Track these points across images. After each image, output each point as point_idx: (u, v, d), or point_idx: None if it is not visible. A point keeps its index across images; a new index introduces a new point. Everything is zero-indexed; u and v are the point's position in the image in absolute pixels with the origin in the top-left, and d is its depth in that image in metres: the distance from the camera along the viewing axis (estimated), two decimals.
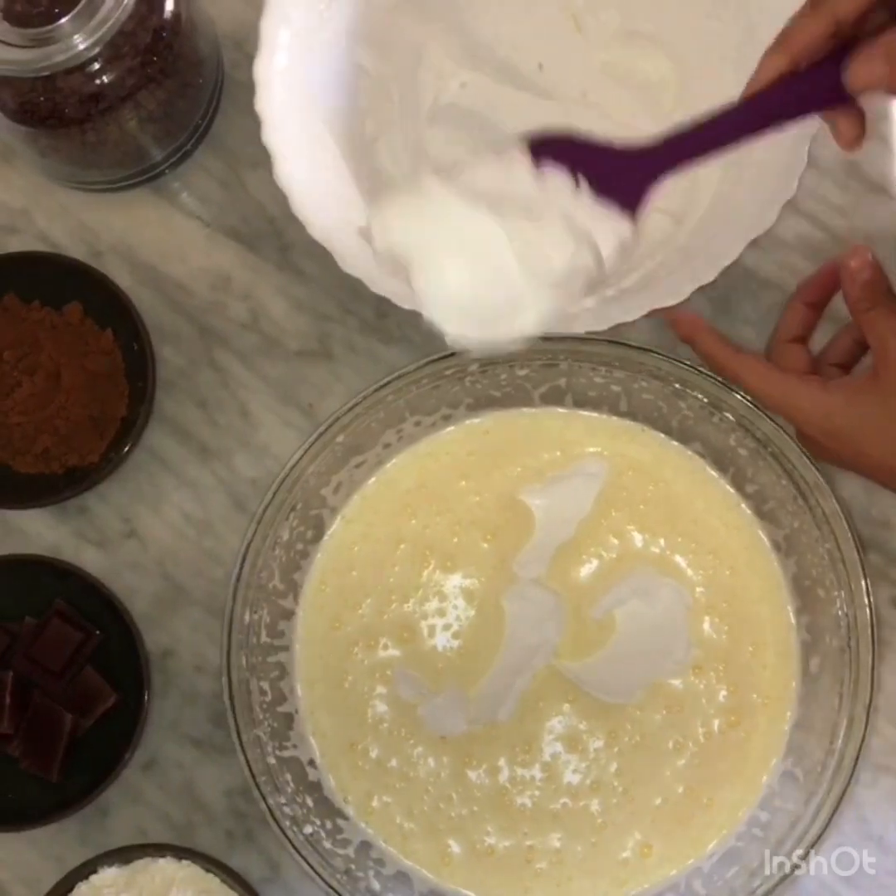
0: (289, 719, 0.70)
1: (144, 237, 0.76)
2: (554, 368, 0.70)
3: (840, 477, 0.71)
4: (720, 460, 0.71)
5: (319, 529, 0.71)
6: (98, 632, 0.71)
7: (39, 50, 0.63)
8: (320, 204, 0.69)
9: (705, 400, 0.69)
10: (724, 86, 0.71)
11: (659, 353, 0.68)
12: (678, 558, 0.71)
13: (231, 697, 0.67)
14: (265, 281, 0.75)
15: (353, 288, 0.67)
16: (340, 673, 0.70)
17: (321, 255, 0.68)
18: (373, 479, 0.72)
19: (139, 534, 0.74)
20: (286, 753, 0.69)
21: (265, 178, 0.71)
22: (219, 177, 0.76)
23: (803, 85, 0.58)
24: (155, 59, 0.67)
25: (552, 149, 0.59)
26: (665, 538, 0.71)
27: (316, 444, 0.68)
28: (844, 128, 0.59)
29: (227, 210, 0.76)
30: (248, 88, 0.68)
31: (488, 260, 0.57)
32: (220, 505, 0.74)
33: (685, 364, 0.68)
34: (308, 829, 0.67)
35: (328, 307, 0.75)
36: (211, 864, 0.68)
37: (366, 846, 0.69)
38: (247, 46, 0.74)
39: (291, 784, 0.68)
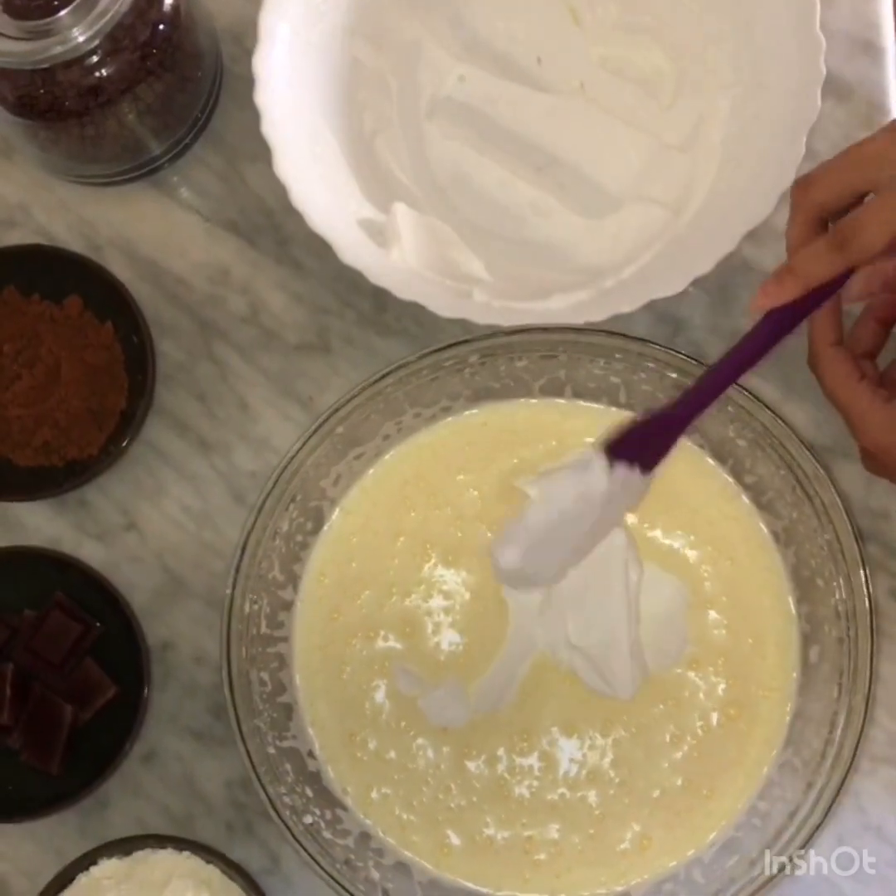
0: (288, 710, 0.70)
1: (143, 231, 0.76)
2: (553, 360, 0.70)
3: (839, 468, 0.71)
4: (719, 451, 0.71)
5: (319, 521, 0.71)
6: (98, 624, 0.71)
7: (38, 42, 0.63)
8: (319, 197, 0.69)
9: None
10: (722, 78, 0.72)
11: (658, 345, 0.68)
12: (677, 549, 0.71)
13: (231, 687, 0.66)
14: (264, 274, 0.75)
15: (351, 281, 0.68)
16: (339, 664, 0.70)
17: (319, 249, 0.68)
18: (372, 470, 0.72)
19: (139, 526, 0.74)
20: (286, 744, 0.69)
21: (264, 171, 0.71)
22: (217, 170, 0.76)
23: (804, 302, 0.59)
24: (154, 52, 0.68)
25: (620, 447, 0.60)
26: (664, 529, 0.71)
27: (315, 435, 0.68)
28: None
29: (226, 204, 0.76)
30: (247, 82, 0.69)
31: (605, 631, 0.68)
32: (220, 498, 0.74)
33: (684, 355, 0.68)
34: (308, 819, 0.67)
35: (327, 300, 0.75)
36: (211, 855, 0.68)
37: (365, 837, 0.69)
38: (246, 40, 0.74)
39: (291, 774, 0.68)
